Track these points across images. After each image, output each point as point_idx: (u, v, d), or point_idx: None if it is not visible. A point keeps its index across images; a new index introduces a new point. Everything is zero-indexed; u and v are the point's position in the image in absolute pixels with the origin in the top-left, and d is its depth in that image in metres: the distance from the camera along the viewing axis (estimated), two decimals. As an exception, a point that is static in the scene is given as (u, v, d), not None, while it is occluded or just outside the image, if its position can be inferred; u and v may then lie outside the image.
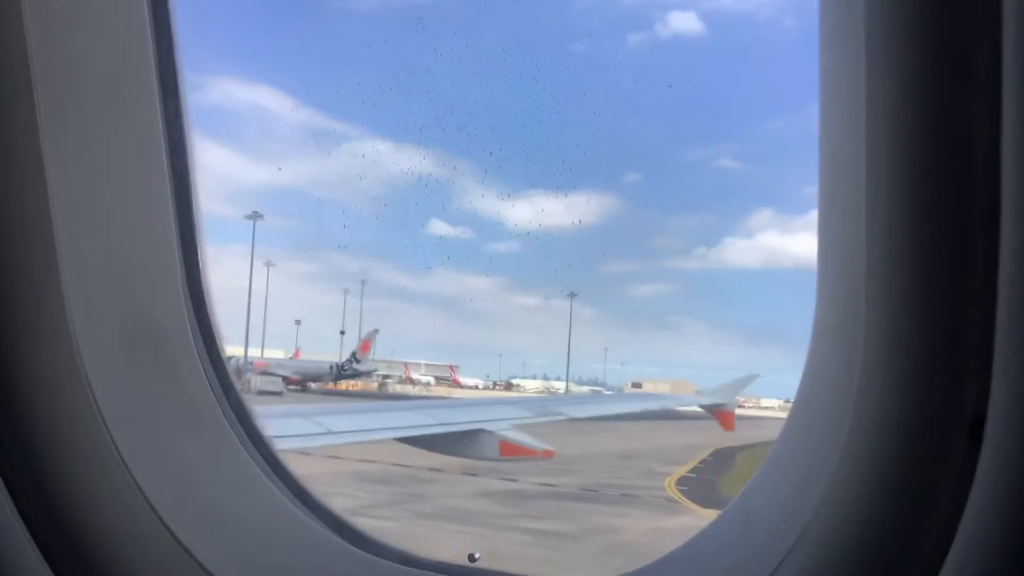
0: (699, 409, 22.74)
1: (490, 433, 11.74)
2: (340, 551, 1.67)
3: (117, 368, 1.56)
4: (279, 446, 1.83)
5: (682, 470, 31.92)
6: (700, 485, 27.16)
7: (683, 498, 24.44)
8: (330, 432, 9.17)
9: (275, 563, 1.64)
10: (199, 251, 1.71)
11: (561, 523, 19.93)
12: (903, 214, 1.16)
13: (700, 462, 35.00)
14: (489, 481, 23.53)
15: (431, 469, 23.30)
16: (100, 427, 1.52)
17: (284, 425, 8.39)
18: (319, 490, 1.84)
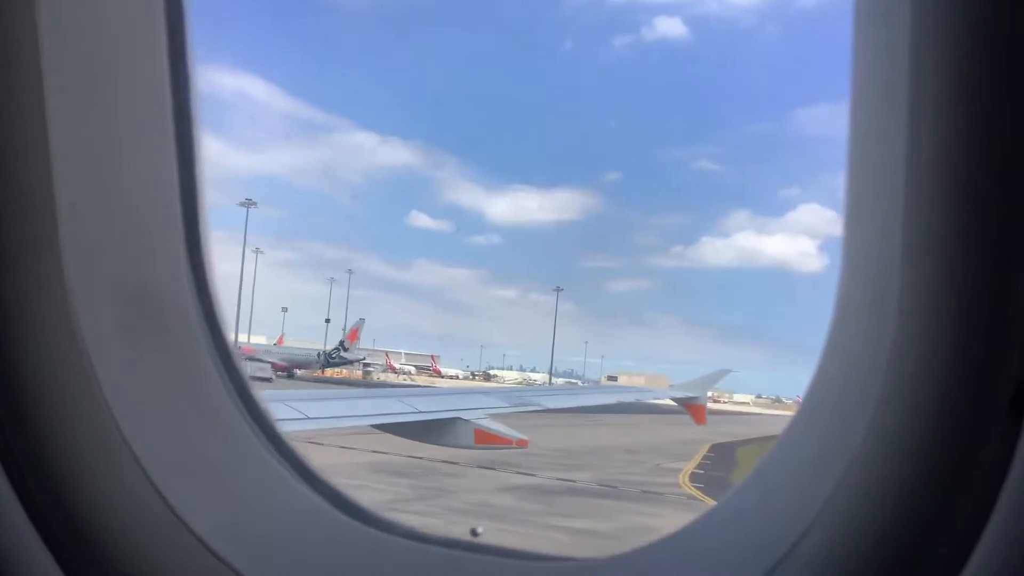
0: (671, 402, 22.94)
1: (466, 422, 11.75)
2: (344, 527, 1.64)
3: (118, 346, 1.54)
4: None
5: (690, 466, 32.24)
6: (713, 482, 27.46)
7: (703, 495, 24.66)
8: (307, 418, 9.11)
9: (279, 539, 1.62)
10: (202, 224, 1.68)
11: (596, 522, 19.97)
12: (944, 179, 1.12)
13: (703, 458, 35.42)
14: (507, 476, 23.50)
15: (446, 461, 23.18)
16: (100, 400, 1.49)
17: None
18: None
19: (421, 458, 23.34)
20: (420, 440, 12.28)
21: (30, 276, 1.48)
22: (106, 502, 1.52)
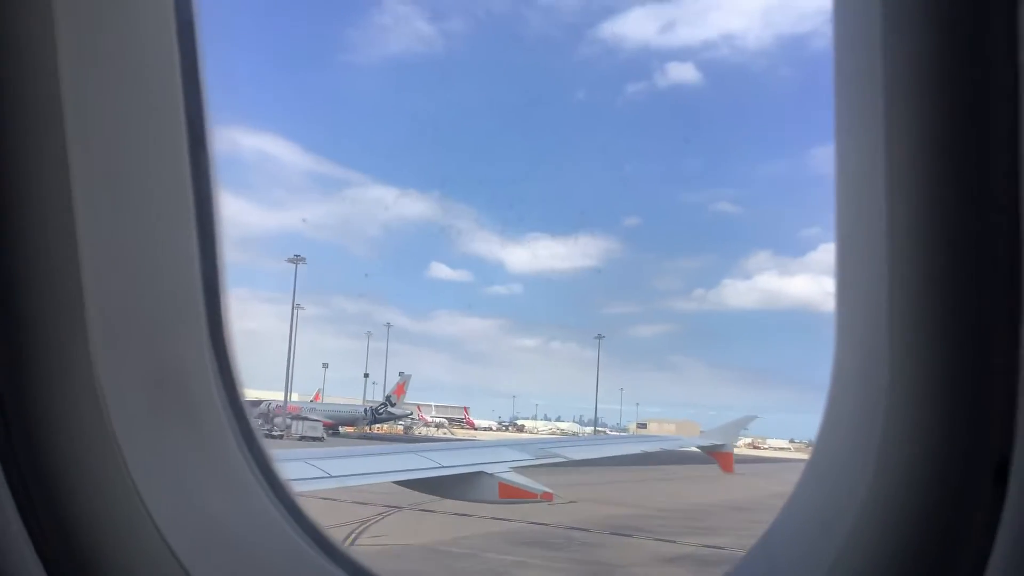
0: (696, 450, 22.48)
1: (490, 476, 11.63)
2: None
3: (141, 415, 1.57)
4: None
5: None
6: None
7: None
8: (328, 476, 9.07)
9: None
10: (223, 298, 1.72)
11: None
12: (926, 256, 1.18)
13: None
14: (652, 544, 22.30)
15: (572, 527, 21.87)
16: (129, 485, 1.53)
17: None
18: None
19: (546, 524, 22.43)
20: (444, 496, 12.14)
21: (54, 347, 1.52)
22: (128, 569, 1.54)
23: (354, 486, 9.98)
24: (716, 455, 20.89)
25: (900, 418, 1.21)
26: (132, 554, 1.54)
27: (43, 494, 1.54)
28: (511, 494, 11.77)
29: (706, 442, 21.44)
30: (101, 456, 1.53)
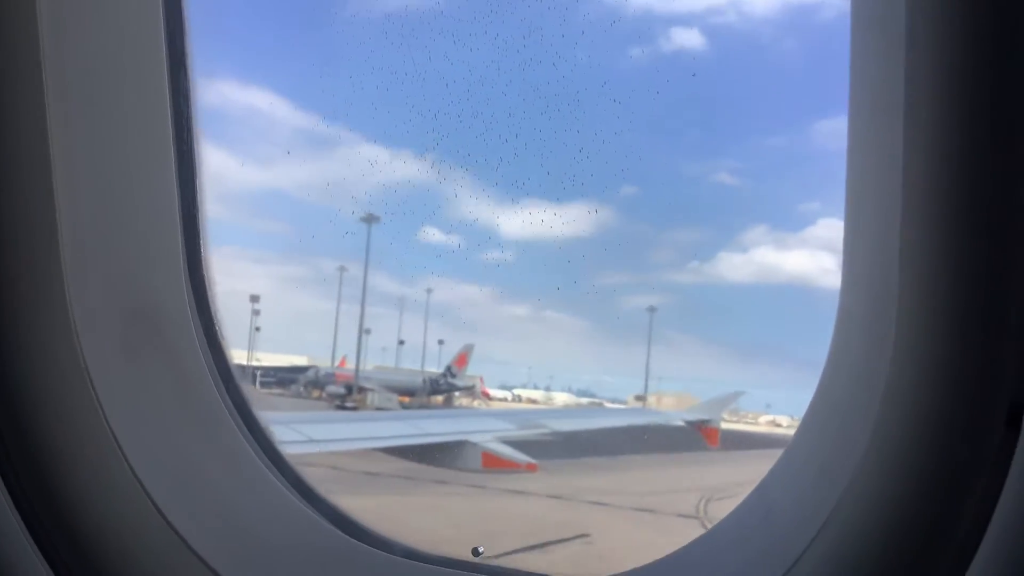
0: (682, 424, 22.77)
1: (473, 445, 11.72)
2: (343, 545, 1.62)
3: (117, 357, 1.54)
4: None
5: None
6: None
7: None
8: (311, 440, 9.10)
9: (278, 558, 1.60)
10: (202, 240, 1.69)
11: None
12: (939, 197, 1.13)
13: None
14: None
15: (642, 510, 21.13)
16: (99, 417, 1.49)
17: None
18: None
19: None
20: (427, 464, 12.22)
21: (31, 292, 1.48)
22: (105, 517, 1.51)
23: (336, 451, 10.03)
24: (702, 429, 21.18)
25: (908, 359, 1.17)
26: (105, 492, 1.51)
27: (14, 429, 1.50)
28: (494, 463, 11.87)
29: (693, 417, 21.71)
30: (73, 390, 1.49)
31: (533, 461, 12.84)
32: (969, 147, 1.11)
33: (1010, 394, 1.12)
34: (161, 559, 1.50)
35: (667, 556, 1.52)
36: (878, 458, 1.21)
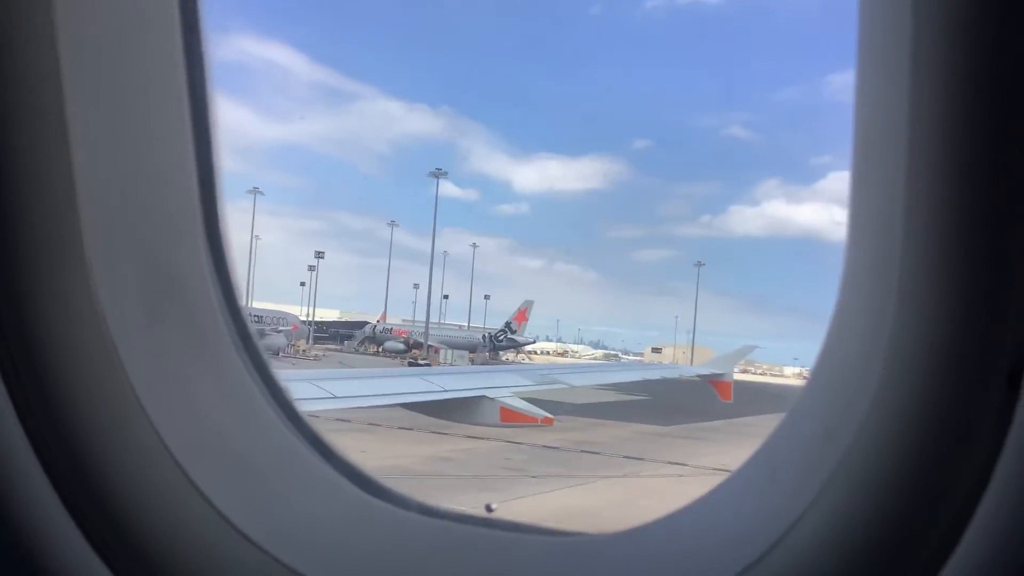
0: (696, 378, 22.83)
1: (491, 400, 11.85)
2: (359, 501, 1.68)
3: (141, 330, 1.57)
4: None
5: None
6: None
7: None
8: (333, 396, 9.23)
9: (298, 515, 1.65)
10: (219, 201, 1.70)
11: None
12: (948, 150, 1.13)
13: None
14: None
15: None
16: (126, 387, 1.53)
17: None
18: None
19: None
20: (446, 419, 12.41)
21: (54, 263, 1.52)
22: (131, 480, 1.56)
23: (358, 407, 10.18)
24: (715, 383, 21.24)
25: (909, 320, 1.18)
26: (132, 457, 1.56)
27: (43, 401, 1.54)
28: (512, 418, 12.02)
29: (707, 371, 21.76)
30: (100, 362, 1.53)
31: (550, 416, 12.99)
32: (977, 116, 1.10)
33: (1012, 353, 1.12)
34: (183, 516, 1.55)
35: (671, 513, 1.56)
36: (881, 418, 1.22)
